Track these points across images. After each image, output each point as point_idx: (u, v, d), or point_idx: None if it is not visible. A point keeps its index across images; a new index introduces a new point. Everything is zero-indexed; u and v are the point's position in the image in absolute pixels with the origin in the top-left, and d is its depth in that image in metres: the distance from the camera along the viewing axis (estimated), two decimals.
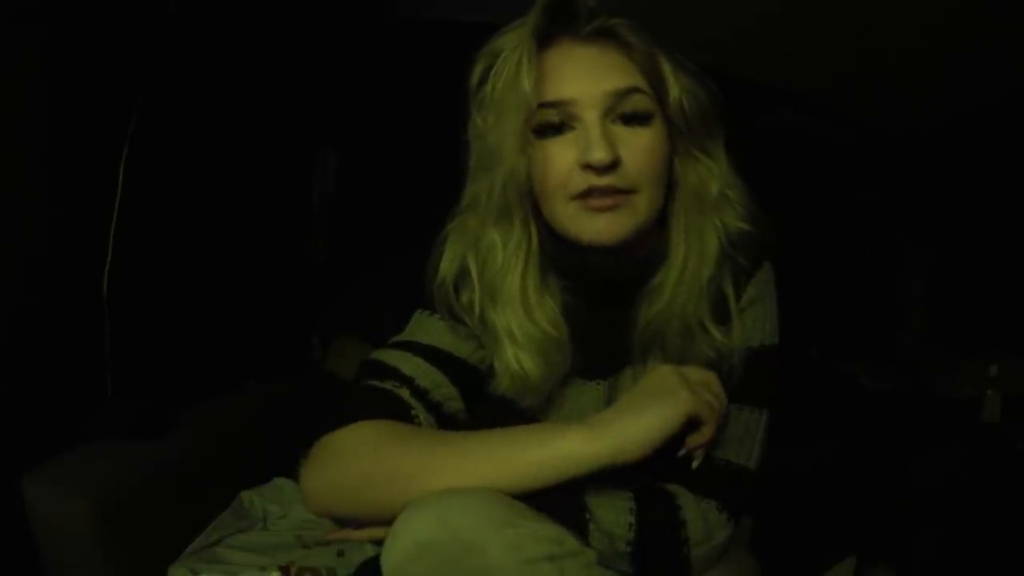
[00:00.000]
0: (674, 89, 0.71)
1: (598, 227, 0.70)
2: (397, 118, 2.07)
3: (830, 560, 1.27)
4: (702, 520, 0.70)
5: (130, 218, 1.24)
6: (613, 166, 0.68)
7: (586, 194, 0.70)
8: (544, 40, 0.71)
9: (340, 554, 1.26)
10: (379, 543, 1.36)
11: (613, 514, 0.67)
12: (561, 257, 0.76)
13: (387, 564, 0.60)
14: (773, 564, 0.88)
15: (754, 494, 0.75)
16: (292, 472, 1.57)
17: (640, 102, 0.70)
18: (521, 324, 0.74)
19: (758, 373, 0.76)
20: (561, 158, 0.70)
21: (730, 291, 0.75)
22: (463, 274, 0.76)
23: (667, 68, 0.71)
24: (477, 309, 0.75)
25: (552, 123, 0.70)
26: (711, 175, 0.75)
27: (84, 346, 1.19)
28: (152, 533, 1.13)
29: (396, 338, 0.78)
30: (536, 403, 0.78)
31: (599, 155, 0.67)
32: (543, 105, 0.70)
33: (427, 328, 0.78)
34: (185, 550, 1.19)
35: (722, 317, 0.75)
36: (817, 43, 1.81)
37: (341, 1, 1.82)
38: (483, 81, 0.72)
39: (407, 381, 0.73)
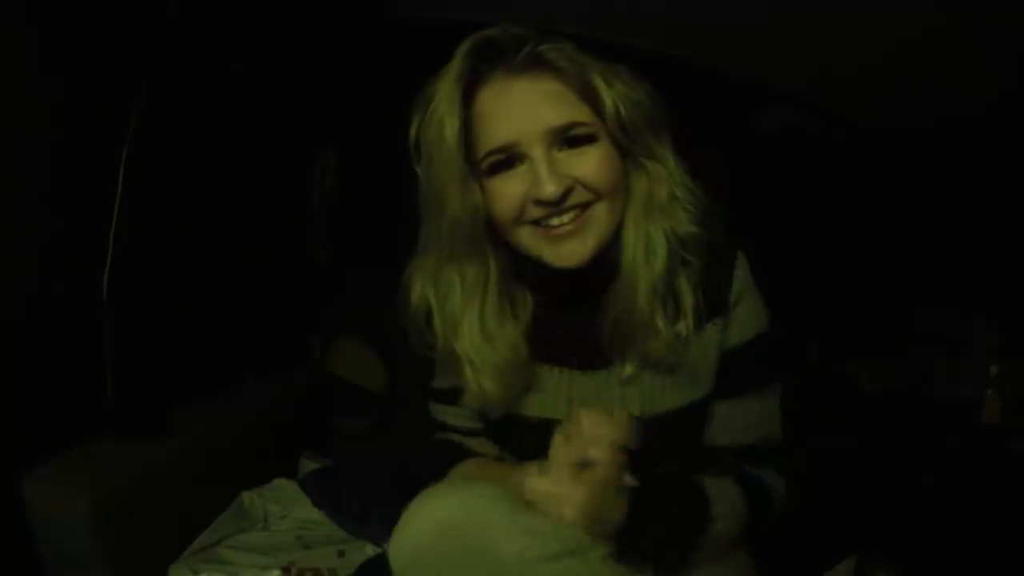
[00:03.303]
0: (608, 100, 0.72)
1: (563, 252, 0.73)
2: (397, 118, 2.07)
3: (830, 560, 1.27)
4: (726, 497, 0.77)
5: (130, 218, 1.24)
6: (566, 195, 0.71)
7: (544, 220, 0.72)
8: (476, 80, 0.73)
9: (341, 554, 1.26)
10: (378, 543, 1.36)
11: None
12: (526, 276, 0.81)
13: (397, 557, 0.61)
14: (773, 564, 0.88)
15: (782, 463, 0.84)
16: (292, 472, 1.57)
17: (581, 129, 0.72)
18: (479, 351, 0.78)
19: (762, 359, 0.82)
20: (512, 192, 0.72)
21: (684, 286, 0.78)
22: (430, 308, 0.82)
23: (599, 81, 0.72)
24: (441, 340, 0.81)
25: (501, 164, 0.73)
26: (659, 179, 0.77)
27: (84, 346, 1.19)
28: (152, 533, 1.13)
29: (433, 386, 0.91)
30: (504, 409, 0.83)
31: (550, 190, 0.70)
32: (489, 152, 0.72)
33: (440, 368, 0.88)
34: (185, 550, 1.19)
35: (678, 314, 0.78)
36: (815, 41, 1.81)
37: (341, 1, 1.82)
38: (417, 131, 0.75)
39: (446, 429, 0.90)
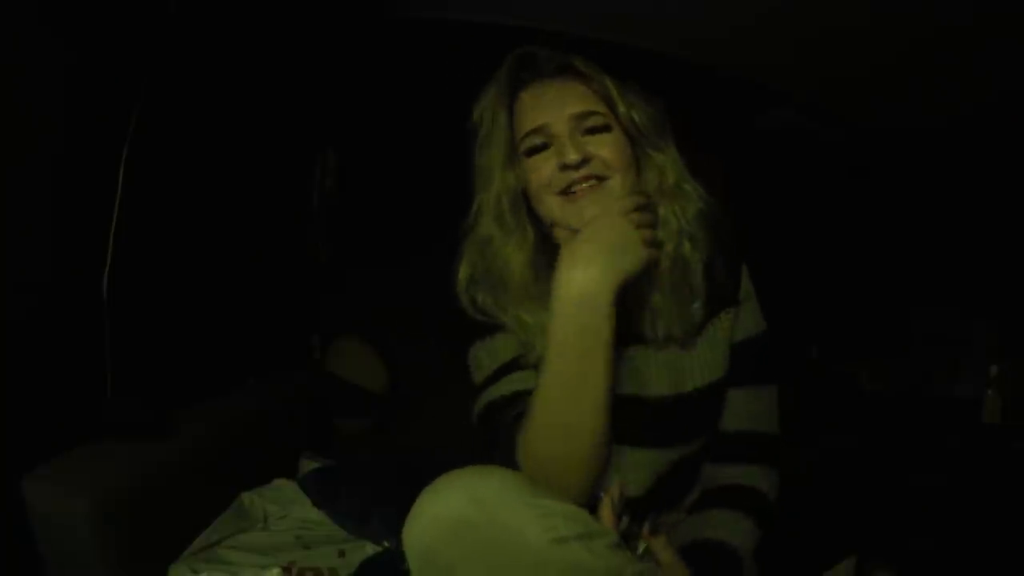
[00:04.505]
0: (621, 106, 0.89)
1: (584, 214, 0.86)
2: (397, 118, 2.07)
3: (830, 560, 1.27)
4: None
5: (130, 218, 1.24)
6: (584, 162, 0.86)
7: (567, 189, 0.87)
8: (518, 85, 0.93)
9: (341, 554, 1.26)
10: (378, 543, 1.36)
11: None
12: (556, 253, 0.89)
13: (416, 543, 0.62)
14: (773, 564, 0.88)
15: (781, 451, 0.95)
16: (292, 472, 1.57)
17: (598, 119, 0.89)
18: (529, 310, 0.90)
19: (764, 354, 0.95)
20: (544, 167, 0.89)
21: (694, 258, 0.90)
22: (477, 274, 0.94)
23: (614, 91, 0.89)
24: (492, 301, 0.92)
25: (536, 145, 0.90)
26: (666, 168, 0.92)
27: (84, 346, 1.19)
28: (152, 533, 1.13)
29: (488, 373, 0.94)
30: None
31: (571, 156, 0.86)
32: (527, 134, 0.90)
33: (493, 351, 0.93)
34: (185, 550, 1.19)
35: (694, 287, 0.91)
36: (815, 42, 1.81)
37: (341, 1, 1.82)
38: (477, 121, 0.94)
39: (516, 399, 0.89)
